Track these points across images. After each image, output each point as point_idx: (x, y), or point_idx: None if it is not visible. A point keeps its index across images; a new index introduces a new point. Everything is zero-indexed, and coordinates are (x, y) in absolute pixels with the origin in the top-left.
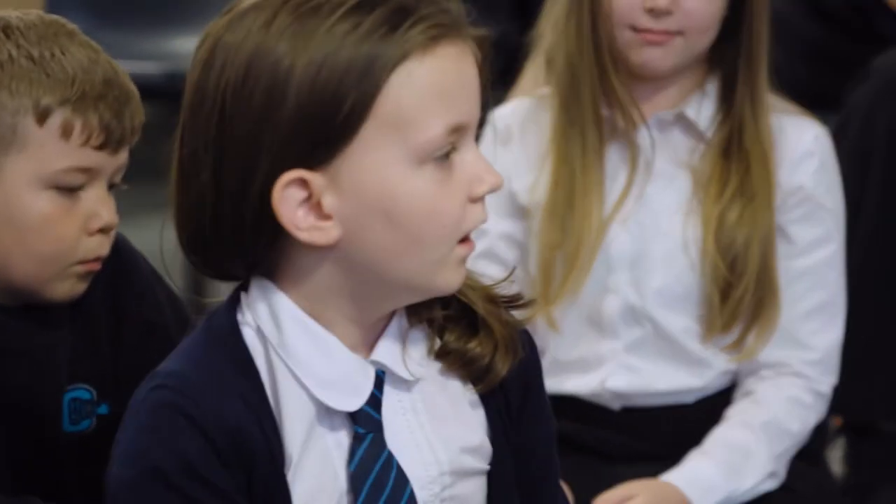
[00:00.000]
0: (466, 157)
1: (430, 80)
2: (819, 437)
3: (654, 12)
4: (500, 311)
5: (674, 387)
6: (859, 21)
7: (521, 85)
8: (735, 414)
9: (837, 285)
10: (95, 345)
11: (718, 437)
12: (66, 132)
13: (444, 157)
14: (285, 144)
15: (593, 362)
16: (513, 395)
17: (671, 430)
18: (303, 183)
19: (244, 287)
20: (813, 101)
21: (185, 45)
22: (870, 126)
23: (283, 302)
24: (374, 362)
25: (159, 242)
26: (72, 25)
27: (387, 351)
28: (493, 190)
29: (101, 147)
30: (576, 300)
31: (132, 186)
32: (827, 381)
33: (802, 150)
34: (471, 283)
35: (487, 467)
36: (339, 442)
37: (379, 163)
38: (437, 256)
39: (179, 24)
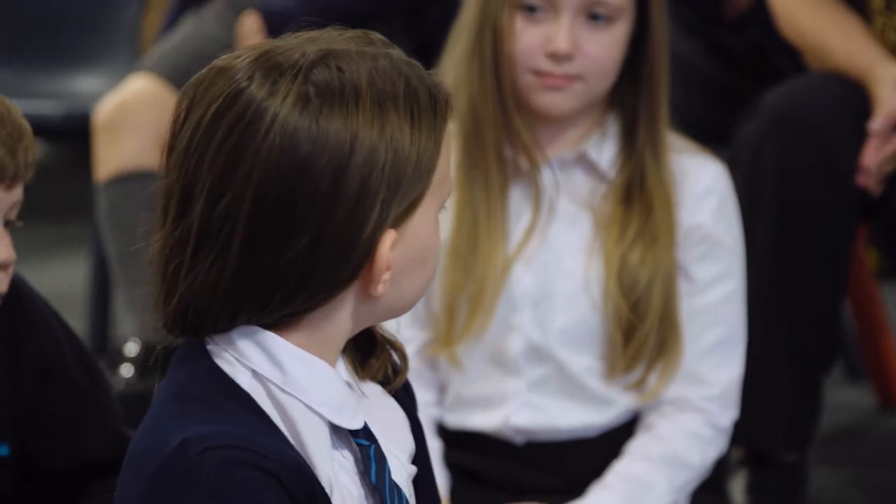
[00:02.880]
0: None
1: (449, 140)
2: (720, 469)
3: (555, 57)
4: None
5: (576, 424)
6: (758, 59)
7: None
8: (635, 448)
9: (736, 321)
10: None
11: (619, 471)
12: None
13: None
14: (386, 206)
15: (497, 400)
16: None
17: (575, 463)
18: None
19: (198, 342)
20: (708, 135)
21: (83, 86)
22: (759, 160)
23: (278, 342)
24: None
25: (56, 281)
26: None
27: (345, 370)
28: None
29: None
30: (479, 339)
31: (31, 225)
32: (727, 415)
33: (702, 188)
34: None
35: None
36: (344, 458)
37: (426, 216)
38: None
39: (79, 64)
